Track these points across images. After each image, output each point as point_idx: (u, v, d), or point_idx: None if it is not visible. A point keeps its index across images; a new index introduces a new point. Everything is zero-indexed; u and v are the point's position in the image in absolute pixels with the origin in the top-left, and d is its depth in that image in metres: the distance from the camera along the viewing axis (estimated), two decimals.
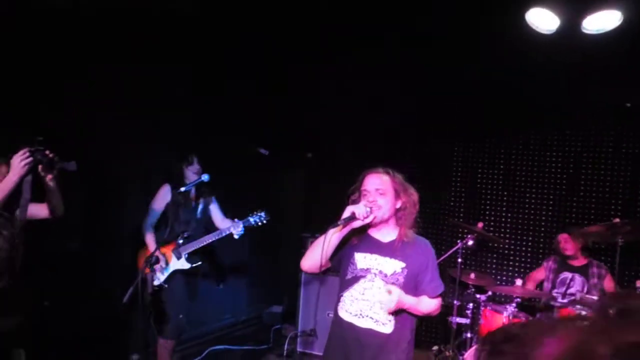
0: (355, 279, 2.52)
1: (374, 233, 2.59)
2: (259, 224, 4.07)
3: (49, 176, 2.87)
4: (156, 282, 3.97)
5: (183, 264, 4.02)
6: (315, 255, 2.47)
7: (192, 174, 4.14)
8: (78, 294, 3.80)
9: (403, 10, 3.98)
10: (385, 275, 2.48)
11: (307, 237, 5.36)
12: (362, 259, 2.54)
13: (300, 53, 4.76)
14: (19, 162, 2.72)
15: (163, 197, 4.11)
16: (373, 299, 2.46)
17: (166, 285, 3.99)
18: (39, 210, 3.08)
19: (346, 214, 2.41)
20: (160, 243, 3.92)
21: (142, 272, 3.29)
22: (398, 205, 2.54)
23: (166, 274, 3.99)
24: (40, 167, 2.81)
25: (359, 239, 2.58)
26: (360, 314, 2.48)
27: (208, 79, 4.78)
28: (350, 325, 2.50)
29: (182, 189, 3.75)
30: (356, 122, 5.97)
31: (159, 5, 3.60)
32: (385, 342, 2.46)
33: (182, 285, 4.06)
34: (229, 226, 4.04)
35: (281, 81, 5.33)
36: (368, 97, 5.58)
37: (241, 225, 4.02)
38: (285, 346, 5.09)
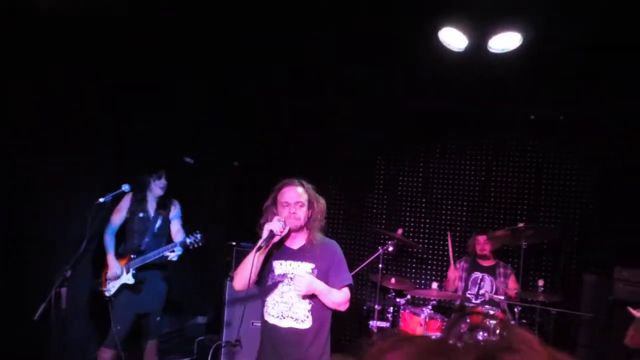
0: (275, 285, 2.81)
1: (288, 241, 2.88)
2: (195, 245, 4.10)
3: None
4: (107, 294, 4.04)
5: (129, 279, 4.07)
6: (245, 276, 2.71)
7: (158, 188, 4.21)
8: None
9: (328, 22, 4.13)
10: (294, 277, 2.78)
11: (232, 246, 5.33)
12: (279, 266, 2.83)
13: (227, 58, 4.79)
14: None
15: (121, 209, 4.15)
16: (291, 300, 2.76)
17: (114, 299, 4.03)
18: None
19: (265, 233, 2.67)
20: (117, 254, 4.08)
21: (54, 288, 3.16)
22: (309, 214, 2.84)
23: (117, 287, 4.05)
24: None
25: (276, 248, 2.85)
26: (282, 315, 2.77)
27: (131, 86, 4.67)
28: (274, 327, 2.78)
29: (101, 199, 3.67)
30: (281, 131, 6.05)
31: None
32: (305, 336, 2.75)
33: (125, 298, 4.08)
34: (166, 247, 4.08)
35: (207, 87, 5.30)
36: (293, 107, 5.68)
37: (177, 247, 4.06)
38: (209, 357, 5.03)
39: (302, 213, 2.79)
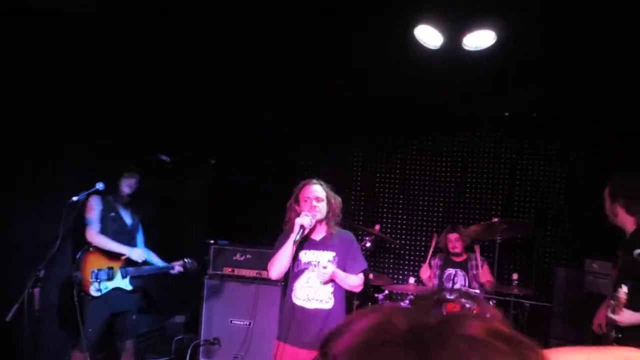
0: (301, 272, 3.23)
1: (310, 233, 3.27)
2: (189, 268, 4.46)
3: None
4: (93, 294, 3.91)
5: (126, 285, 4.06)
6: (283, 264, 3.16)
7: (126, 186, 4.16)
8: None
9: (305, 18, 4.13)
10: (317, 267, 3.19)
11: (210, 244, 5.29)
12: (304, 256, 3.25)
13: (202, 57, 4.75)
14: None
15: (95, 207, 4.05)
16: (316, 284, 3.17)
17: (103, 299, 3.94)
18: None
19: (297, 228, 3.07)
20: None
21: (27, 288, 3.10)
22: (328, 209, 3.26)
23: (109, 289, 3.97)
24: None
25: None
26: (308, 298, 3.19)
27: (102, 83, 4.60)
28: (301, 308, 3.18)
29: (75, 198, 3.61)
30: (258, 129, 6.03)
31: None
32: (329, 314, 3.18)
33: (101, 298, 3.98)
34: (174, 265, 4.37)
35: (184, 84, 5.25)
36: (269, 105, 5.67)
37: (182, 269, 4.38)
38: (188, 356, 5.00)
39: (321, 206, 3.21)
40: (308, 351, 3.14)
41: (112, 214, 4.10)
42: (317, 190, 3.25)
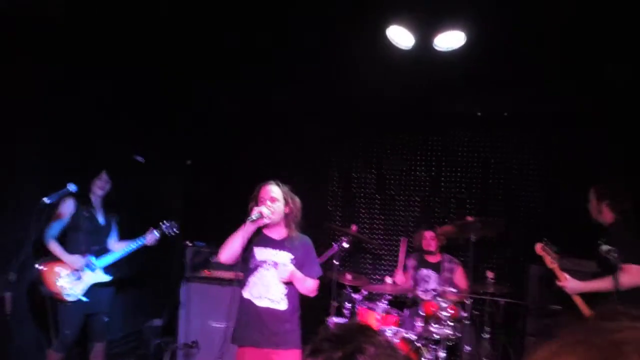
0: (255, 268, 3.23)
1: (268, 232, 3.31)
2: (171, 233, 4.36)
3: None
4: (71, 299, 3.90)
5: (102, 277, 4.09)
6: (234, 248, 3.14)
7: (97, 188, 4.18)
8: None
9: (279, 21, 4.15)
10: (278, 265, 3.22)
11: (187, 245, 5.26)
12: (260, 252, 3.24)
13: (178, 57, 4.74)
14: None
15: (66, 209, 4.04)
16: (269, 283, 3.18)
17: (86, 299, 3.97)
18: None
19: (255, 213, 3.10)
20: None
21: None
22: (286, 210, 3.27)
23: (84, 289, 3.98)
24: None
25: (257, 236, 3.27)
26: (260, 296, 3.19)
27: (77, 80, 4.55)
28: (252, 305, 3.19)
29: (46, 199, 3.57)
30: (235, 130, 6.02)
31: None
32: (282, 315, 3.19)
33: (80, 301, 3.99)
34: (145, 235, 4.25)
35: (159, 87, 5.22)
36: (246, 106, 5.66)
37: (158, 235, 4.26)
38: None
39: (276, 207, 3.21)
40: (259, 350, 3.16)
41: (86, 213, 4.11)
42: (272, 190, 3.27)
